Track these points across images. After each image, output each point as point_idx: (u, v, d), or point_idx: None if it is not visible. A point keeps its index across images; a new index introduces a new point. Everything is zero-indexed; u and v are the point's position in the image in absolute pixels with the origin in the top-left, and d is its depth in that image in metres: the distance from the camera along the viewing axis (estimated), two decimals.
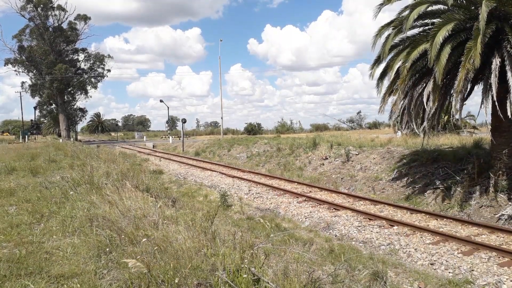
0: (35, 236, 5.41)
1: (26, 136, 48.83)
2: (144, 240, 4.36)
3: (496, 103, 9.34)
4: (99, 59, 51.48)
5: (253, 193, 14.15)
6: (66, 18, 48.72)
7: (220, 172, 19.27)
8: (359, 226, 9.62)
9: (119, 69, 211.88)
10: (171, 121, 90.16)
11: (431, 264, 7.29)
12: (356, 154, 17.37)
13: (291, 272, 3.81)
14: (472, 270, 6.79)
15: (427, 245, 8.09)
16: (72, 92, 50.76)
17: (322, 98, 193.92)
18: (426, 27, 11.70)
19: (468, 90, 10.76)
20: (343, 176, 16.11)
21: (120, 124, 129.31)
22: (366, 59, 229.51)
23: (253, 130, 64.10)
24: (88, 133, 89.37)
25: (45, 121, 64.35)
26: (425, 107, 10.85)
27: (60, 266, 4.32)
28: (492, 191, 10.43)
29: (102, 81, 54.39)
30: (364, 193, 13.81)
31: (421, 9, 10.32)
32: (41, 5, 45.95)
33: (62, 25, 48.73)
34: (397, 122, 15.16)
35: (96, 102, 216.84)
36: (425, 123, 11.85)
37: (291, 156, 20.69)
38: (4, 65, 60.90)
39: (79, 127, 72.45)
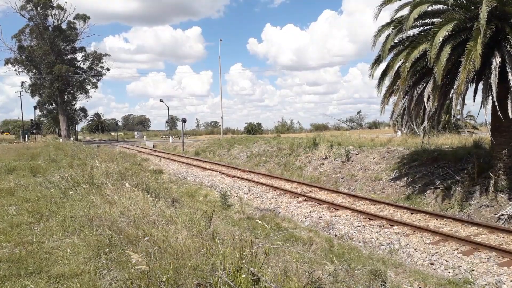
0: (35, 236, 5.40)
1: (26, 135, 48.91)
2: (144, 239, 4.36)
3: (496, 103, 9.35)
4: (97, 58, 51.43)
5: (253, 193, 14.15)
6: (66, 18, 48.71)
7: (220, 172, 19.26)
8: (359, 226, 9.61)
9: (119, 68, 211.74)
10: (171, 121, 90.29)
11: (431, 264, 7.29)
12: (356, 154, 17.37)
13: (291, 272, 3.80)
14: (472, 270, 6.79)
15: (427, 245, 8.09)
16: (72, 92, 50.74)
17: (322, 97, 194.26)
18: (426, 27, 11.68)
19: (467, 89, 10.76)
20: (343, 176, 16.11)
21: (120, 124, 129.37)
22: (366, 59, 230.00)
23: (253, 129, 64.02)
24: (88, 133, 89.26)
25: (45, 120, 64.37)
26: (425, 106, 10.85)
27: (60, 266, 4.31)
28: (492, 191, 10.43)
29: (102, 80, 54.04)
30: (364, 193, 13.81)
31: (421, 9, 10.30)
32: (41, 5, 45.86)
33: (61, 25, 48.68)
34: (397, 122, 15.15)
35: (96, 102, 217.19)
36: (425, 123, 11.84)
37: (291, 156, 20.68)
38: (4, 65, 60.96)
39: (79, 127, 72.40)
